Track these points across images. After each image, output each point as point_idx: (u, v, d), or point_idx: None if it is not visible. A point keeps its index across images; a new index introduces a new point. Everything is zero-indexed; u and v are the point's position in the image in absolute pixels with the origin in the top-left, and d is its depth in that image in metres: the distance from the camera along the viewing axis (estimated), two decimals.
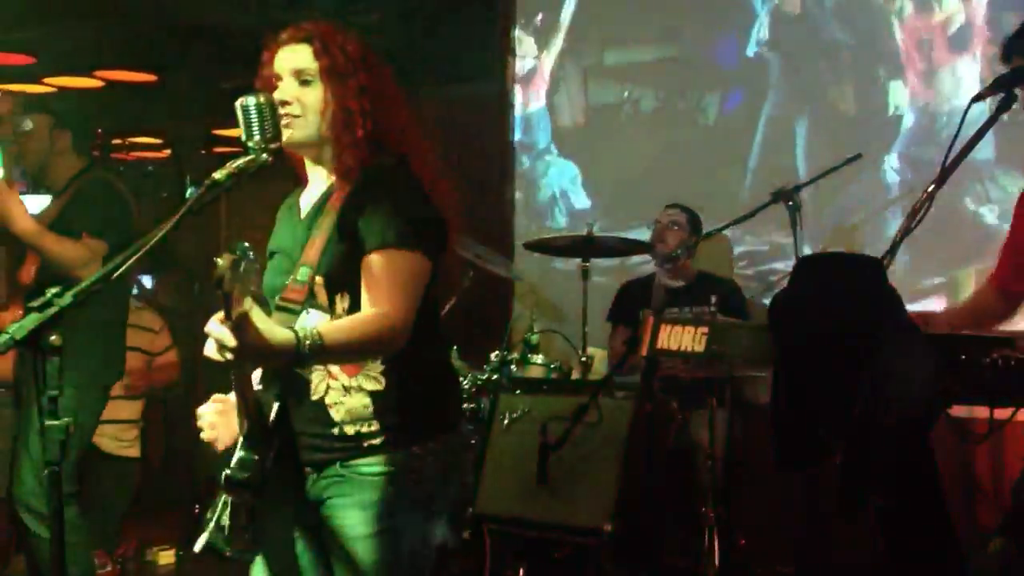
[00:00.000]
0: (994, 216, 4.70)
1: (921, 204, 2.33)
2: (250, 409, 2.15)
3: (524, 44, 6.08)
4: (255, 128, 2.15)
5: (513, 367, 4.62)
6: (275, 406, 2.19)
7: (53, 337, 1.94)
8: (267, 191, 2.50)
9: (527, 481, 3.88)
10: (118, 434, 5.13)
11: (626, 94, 5.81)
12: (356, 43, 2.31)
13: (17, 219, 3.74)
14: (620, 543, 3.78)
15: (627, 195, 5.66)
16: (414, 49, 6.11)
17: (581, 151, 5.93)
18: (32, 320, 1.95)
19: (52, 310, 1.96)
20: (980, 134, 2.44)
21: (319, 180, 2.36)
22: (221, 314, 1.90)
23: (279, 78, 2.29)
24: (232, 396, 2.18)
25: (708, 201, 5.03)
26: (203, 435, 2.25)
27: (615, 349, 4.91)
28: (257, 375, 2.25)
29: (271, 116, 2.17)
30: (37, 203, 4.04)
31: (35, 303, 1.98)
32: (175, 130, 8.41)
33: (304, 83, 2.27)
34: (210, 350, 1.98)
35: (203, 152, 8.39)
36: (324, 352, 2.05)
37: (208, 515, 2.19)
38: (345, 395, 2.23)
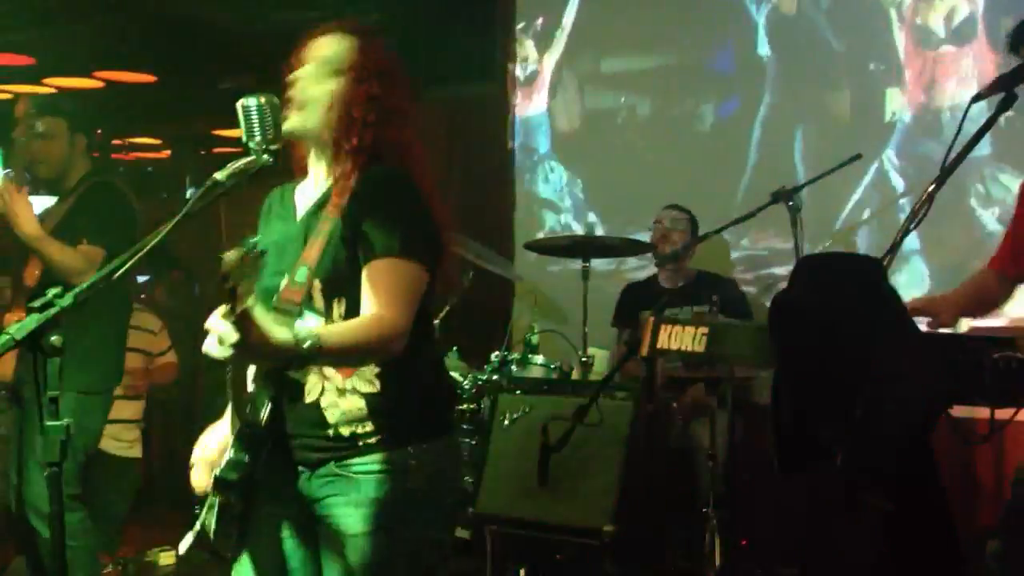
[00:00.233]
0: (994, 217, 4.70)
1: (921, 204, 2.33)
2: (243, 409, 2.15)
3: (525, 47, 6.09)
4: (256, 129, 2.15)
5: (514, 367, 4.61)
6: (268, 407, 2.19)
7: (54, 338, 1.94)
8: (267, 191, 2.50)
9: (528, 481, 3.87)
10: (119, 434, 5.12)
11: (623, 99, 5.81)
12: (384, 55, 2.34)
13: (24, 222, 3.74)
14: (621, 544, 3.78)
15: (624, 200, 5.67)
16: (415, 52, 6.10)
17: (579, 156, 5.93)
18: (33, 321, 1.94)
19: (53, 311, 1.95)
20: (980, 134, 2.44)
21: (319, 179, 2.35)
22: (223, 309, 1.89)
23: (304, 63, 2.30)
24: (213, 434, 2.21)
25: (705, 206, 5.03)
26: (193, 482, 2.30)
27: (622, 352, 4.91)
28: (250, 375, 2.25)
29: (272, 117, 2.16)
30: (38, 203, 4.02)
31: (36, 304, 1.97)
32: (175, 130, 8.40)
33: (323, 73, 2.28)
34: (209, 346, 1.96)
35: (203, 152, 8.40)
36: (322, 354, 2.05)
37: (197, 513, 2.19)
38: (340, 397, 2.23)
